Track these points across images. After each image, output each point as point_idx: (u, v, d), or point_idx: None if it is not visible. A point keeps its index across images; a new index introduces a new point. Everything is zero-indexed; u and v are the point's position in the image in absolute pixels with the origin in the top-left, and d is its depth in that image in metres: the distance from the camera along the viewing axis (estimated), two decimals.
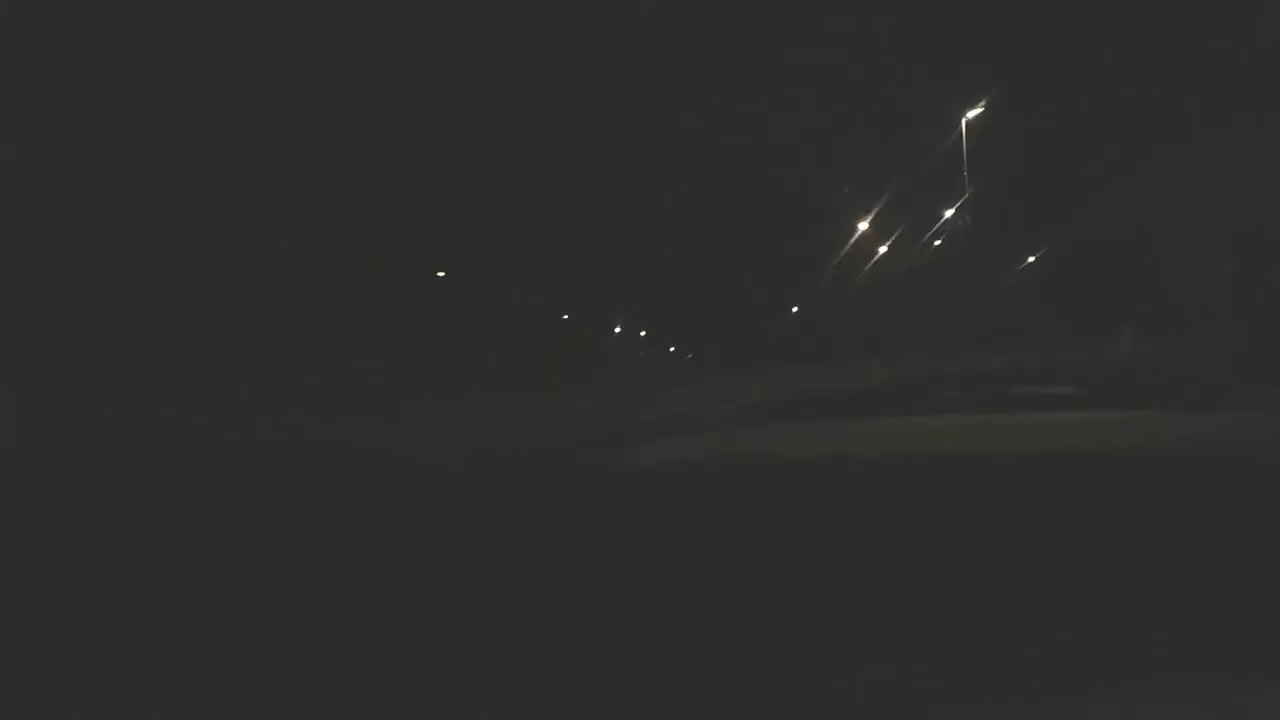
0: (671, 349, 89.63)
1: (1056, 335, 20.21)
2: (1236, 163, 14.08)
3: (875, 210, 29.02)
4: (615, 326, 73.22)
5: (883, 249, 30.67)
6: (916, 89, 24.38)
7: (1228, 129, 14.33)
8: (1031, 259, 26.19)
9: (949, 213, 22.18)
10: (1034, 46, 20.02)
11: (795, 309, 53.22)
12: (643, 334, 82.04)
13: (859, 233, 31.08)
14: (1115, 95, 17.58)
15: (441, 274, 35.13)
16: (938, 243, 24.38)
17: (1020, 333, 20.59)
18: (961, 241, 22.34)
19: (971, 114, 18.90)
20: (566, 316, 58.99)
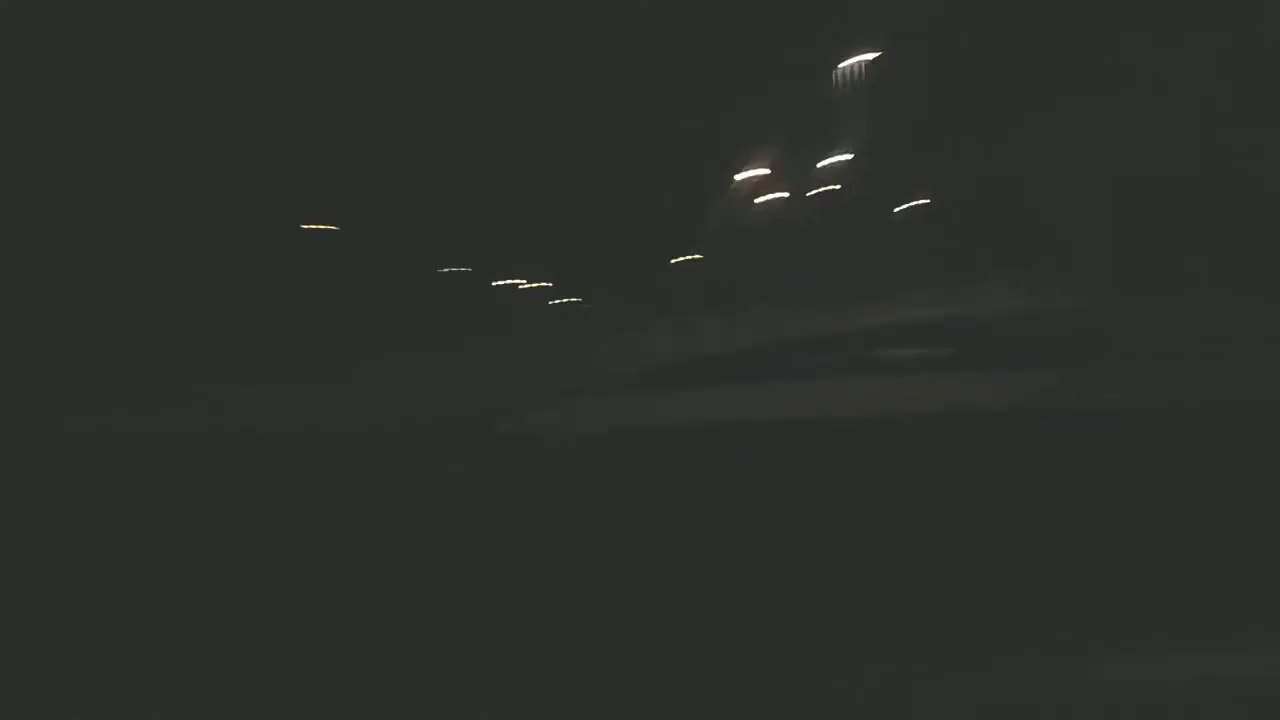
0: (575, 299, 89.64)
1: (933, 281, 20.95)
2: (1124, 108, 14.70)
3: (766, 155, 29.27)
4: (504, 279, 72.46)
5: (782, 194, 31.05)
6: (816, 31, 24.49)
7: (1116, 75, 14.94)
8: (917, 201, 26.94)
9: (840, 157, 22.64)
10: None
11: (690, 255, 53.80)
12: (531, 285, 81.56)
13: (750, 177, 31.38)
14: (1010, 34, 18.07)
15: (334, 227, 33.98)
16: (829, 187, 24.90)
17: (909, 272, 21.26)
18: (851, 185, 22.83)
19: (869, 56, 19.21)
20: (465, 268, 58.02)
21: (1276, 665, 0.59)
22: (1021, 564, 0.73)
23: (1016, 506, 0.77)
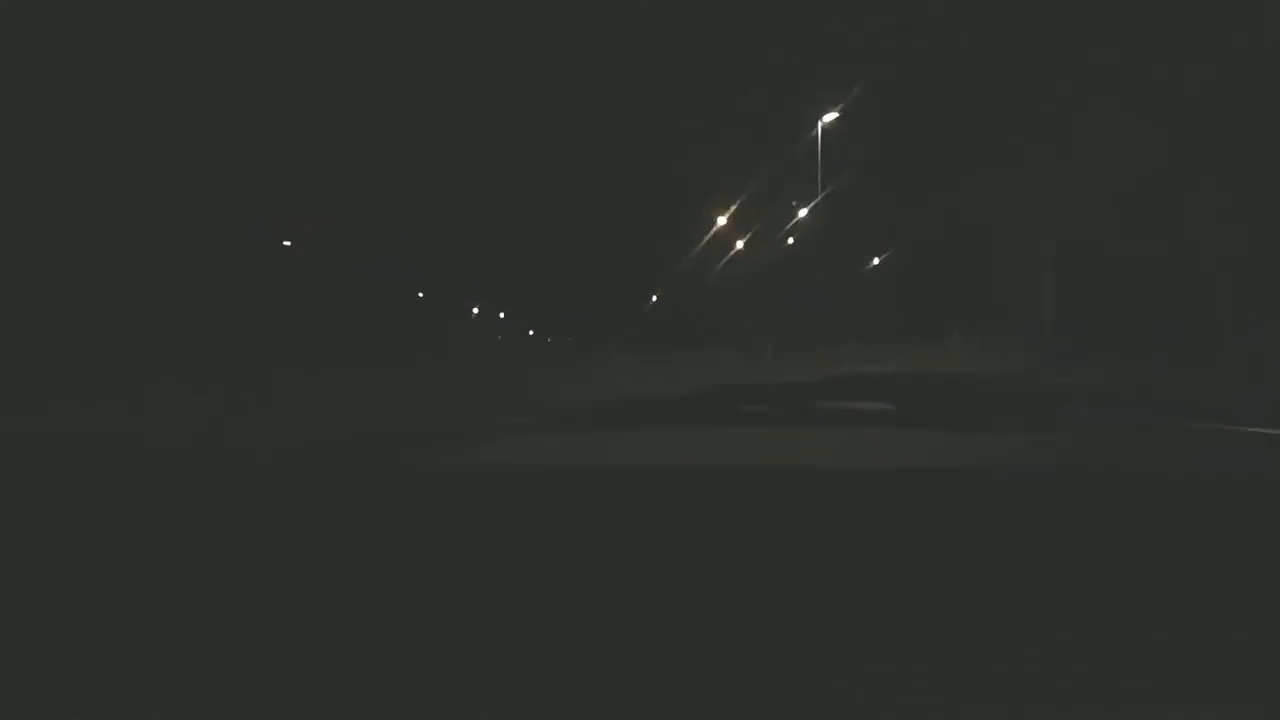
0: (530, 332, 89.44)
1: (895, 334, 21.39)
2: (1072, 173, 15.15)
3: (734, 206, 29.97)
4: (473, 307, 72.35)
5: (740, 244, 31.63)
6: (776, 91, 25.24)
7: (1068, 141, 15.42)
8: (877, 259, 27.58)
9: (803, 212, 23.07)
10: (891, 52, 20.97)
11: (654, 298, 54.20)
12: (501, 315, 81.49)
13: (718, 228, 31.98)
14: (967, 101, 18.64)
15: (288, 243, 33.82)
16: (791, 240, 25.33)
17: (867, 329, 21.66)
18: (815, 240, 23.30)
19: (827, 118, 19.67)
20: (421, 294, 57.87)
21: None
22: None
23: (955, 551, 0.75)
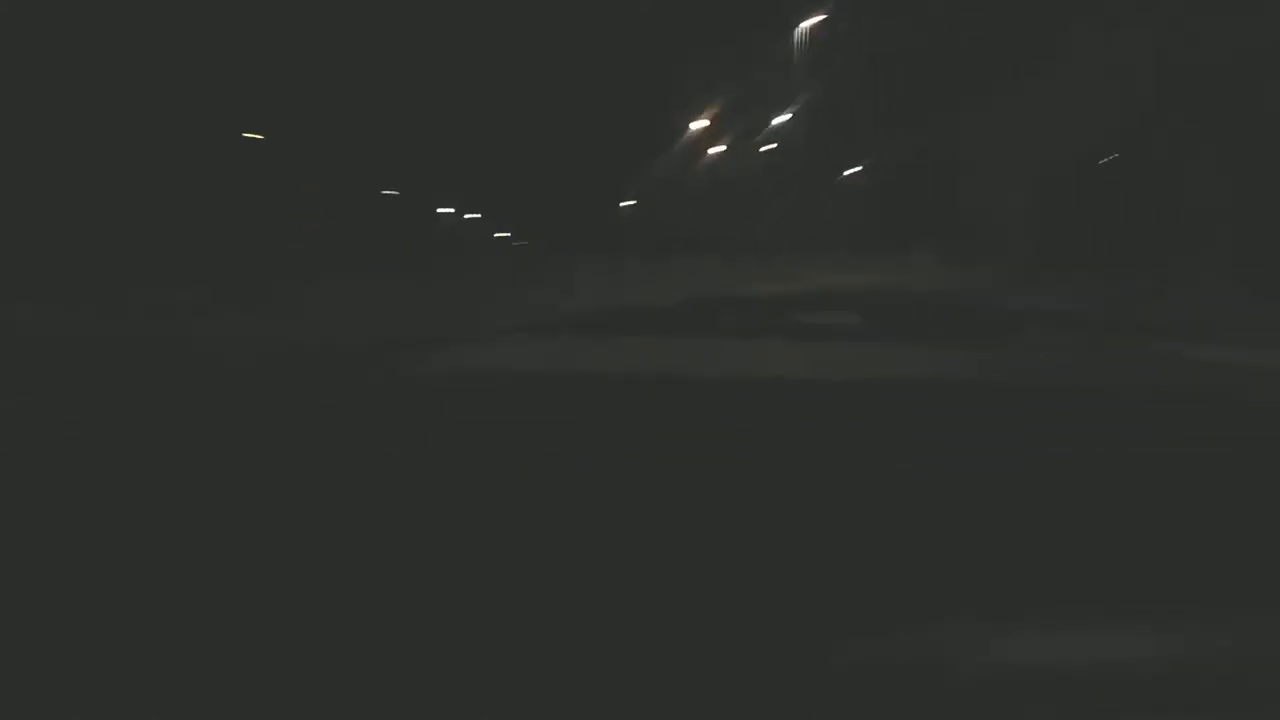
0: (505, 234, 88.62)
1: (869, 245, 21.57)
2: (1055, 99, 15.13)
3: (713, 110, 29.55)
4: (442, 206, 71.14)
5: (720, 148, 31.31)
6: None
7: (1052, 67, 15.35)
8: (851, 171, 27.50)
9: (784, 118, 22.87)
10: None
11: (631, 201, 53.74)
12: (468, 216, 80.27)
13: (695, 131, 31.57)
14: (957, 18, 18.44)
15: (256, 136, 32.94)
16: (772, 145, 25.17)
17: (843, 239, 21.80)
18: (794, 147, 23.19)
19: (810, 22, 19.38)
20: (393, 192, 56.79)
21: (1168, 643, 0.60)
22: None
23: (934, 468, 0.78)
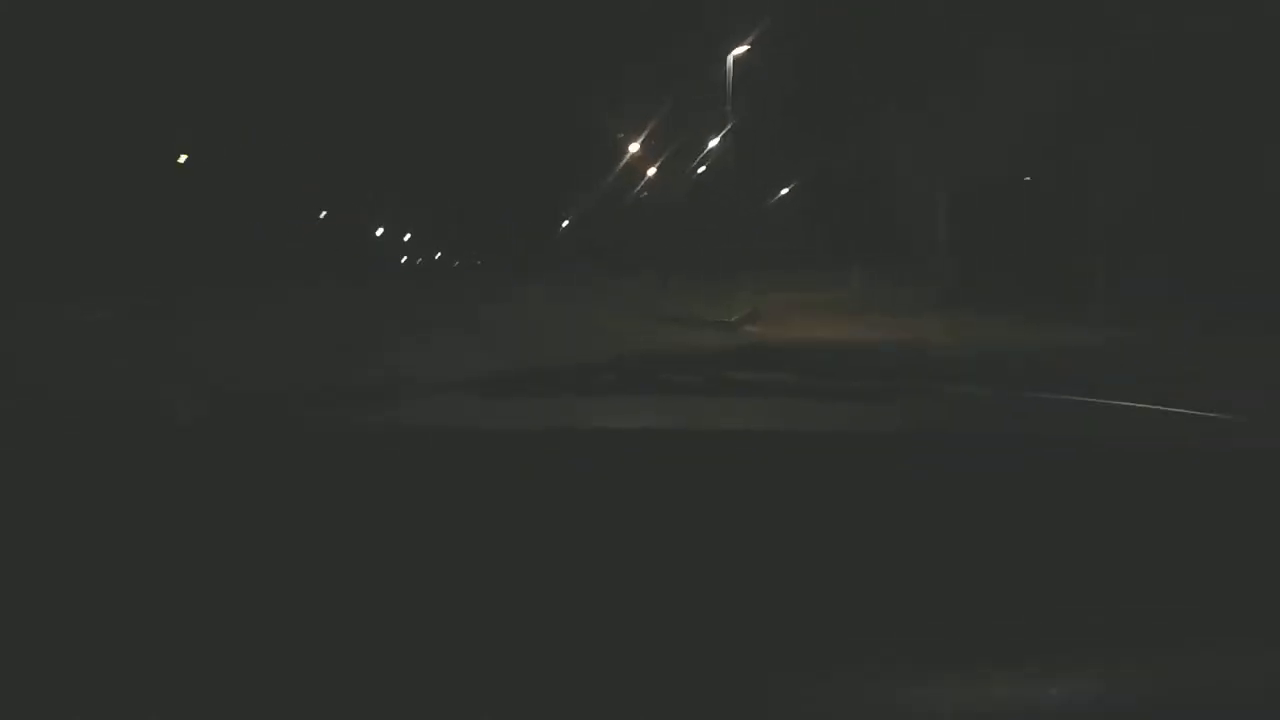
0: (438, 255, 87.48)
1: (798, 263, 21.93)
2: (974, 111, 15.49)
3: (645, 135, 29.87)
4: (378, 228, 70.16)
5: (651, 171, 31.59)
6: (689, 28, 25.18)
7: (971, 79, 15.71)
8: (784, 191, 28.00)
9: (713, 142, 23.19)
10: None
11: (565, 223, 53.53)
12: (406, 238, 79.20)
13: (630, 156, 31.83)
14: (874, 38, 18.86)
15: (183, 158, 32.32)
16: (703, 169, 25.50)
17: (771, 260, 22.12)
18: (725, 171, 23.52)
19: (738, 51, 19.73)
20: (324, 214, 55.93)
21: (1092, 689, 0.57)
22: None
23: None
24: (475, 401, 1.27)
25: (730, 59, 19.88)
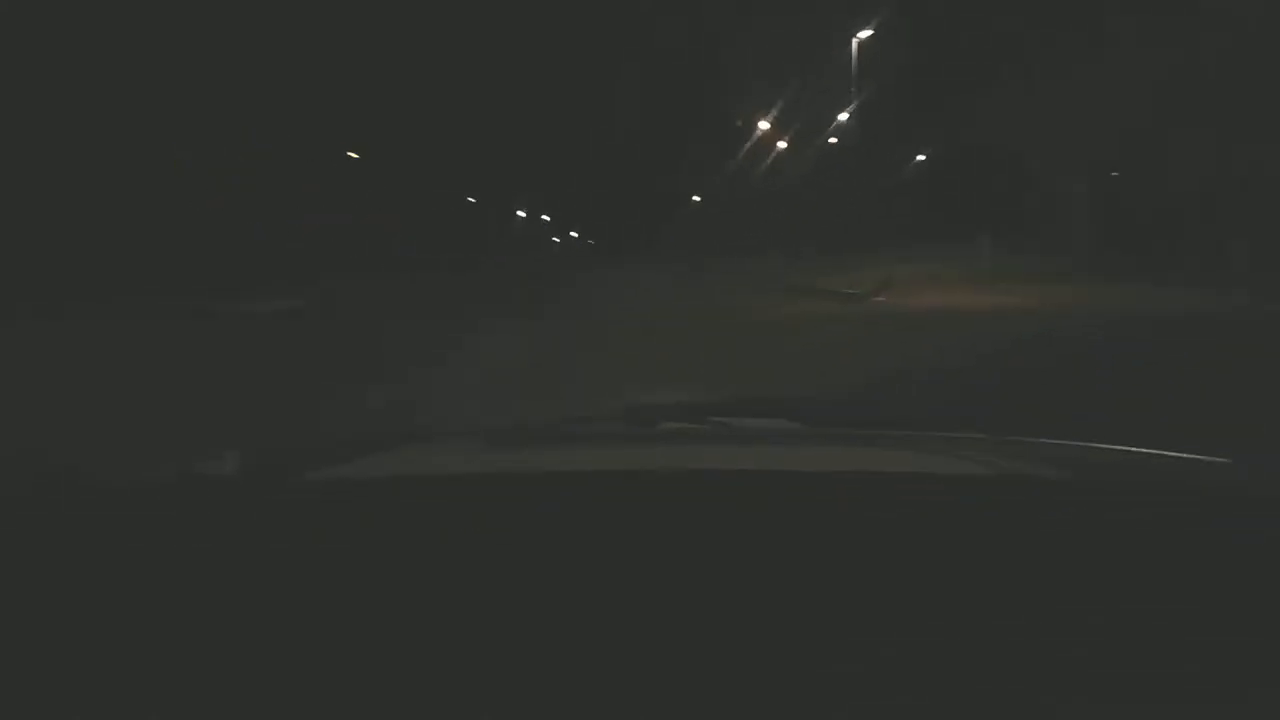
0: (574, 234, 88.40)
1: (927, 236, 21.45)
2: (1109, 90, 14.84)
3: (775, 112, 29.61)
4: (519, 210, 71.50)
5: (781, 145, 31.28)
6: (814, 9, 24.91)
7: (1104, 56, 15.06)
8: (916, 159, 27.32)
9: (842, 116, 22.88)
10: None
11: (696, 198, 53.21)
12: (545, 218, 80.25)
13: (760, 132, 31.53)
14: (1006, 18, 18.23)
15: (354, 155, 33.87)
16: (833, 140, 25.21)
17: (900, 231, 21.75)
18: (853, 146, 23.17)
19: (863, 34, 19.40)
20: (473, 199, 57.50)
21: None
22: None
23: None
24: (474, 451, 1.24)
25: (855, 41, 19.61)
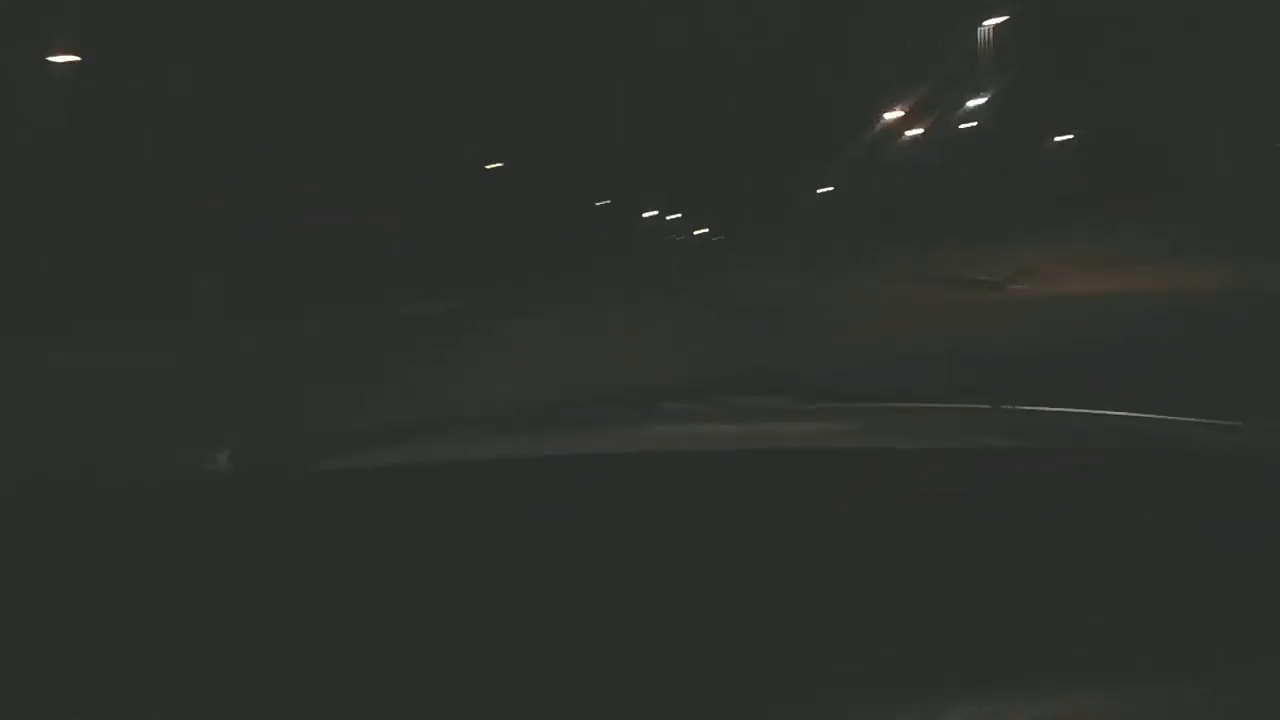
0: (705, 230, 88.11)
1: (1066, 219, 20.52)
2: (1251, 69, 13.92)
3: (908, 99, 28.83)
4: (645, 211, 71.91)
5: (914, 131, 30.46)
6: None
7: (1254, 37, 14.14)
8: (1054, 140, 26.12)
9: (975, 102, 22.13)
10: None
11: (830, 189, 52.25)
12: (673, 216, 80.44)
13: (890, 120, 30.75)
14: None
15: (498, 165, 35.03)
16: (965, 125, 24.46)
17: (1038, 214, 20.90)
18: (987, 128, 22.39)
19: (994, 21, 18.74)
20: (603, 202, 58.25)
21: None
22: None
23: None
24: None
25: (987, 25, 18.95)
